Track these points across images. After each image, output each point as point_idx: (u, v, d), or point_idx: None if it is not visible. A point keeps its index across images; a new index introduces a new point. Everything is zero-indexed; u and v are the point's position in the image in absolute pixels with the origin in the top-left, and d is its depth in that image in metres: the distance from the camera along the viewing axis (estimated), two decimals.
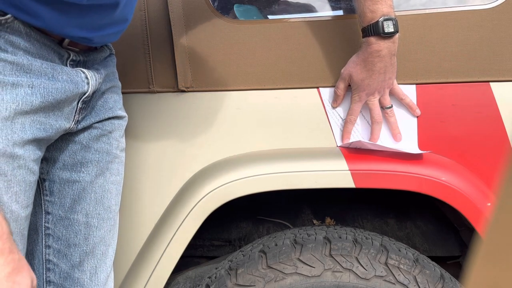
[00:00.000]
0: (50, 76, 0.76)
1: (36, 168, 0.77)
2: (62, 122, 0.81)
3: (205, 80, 1.07)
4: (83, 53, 0.84)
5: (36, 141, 0.75)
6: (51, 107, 0.77)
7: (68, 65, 0.81)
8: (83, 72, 0.82)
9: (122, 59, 1.05)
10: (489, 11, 1.00)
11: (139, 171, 1.09)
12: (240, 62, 1.06)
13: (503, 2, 1.00)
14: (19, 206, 0.73)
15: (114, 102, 0.94)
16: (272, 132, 1.07)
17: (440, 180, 0.96)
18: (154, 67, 1.07)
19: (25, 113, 0.72)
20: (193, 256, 1.31)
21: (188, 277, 1.21)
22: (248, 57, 1.06)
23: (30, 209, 0.77)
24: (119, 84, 0.98)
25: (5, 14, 0.69)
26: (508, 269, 0.26)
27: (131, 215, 1.09)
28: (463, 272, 1.18)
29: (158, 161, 1.09)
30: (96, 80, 0.85)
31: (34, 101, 0.73)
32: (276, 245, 1.01)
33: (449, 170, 0.99)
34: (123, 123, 0.97)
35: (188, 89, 1.07)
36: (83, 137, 0.89)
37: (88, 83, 0.83)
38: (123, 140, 0.97)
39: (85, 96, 0.83)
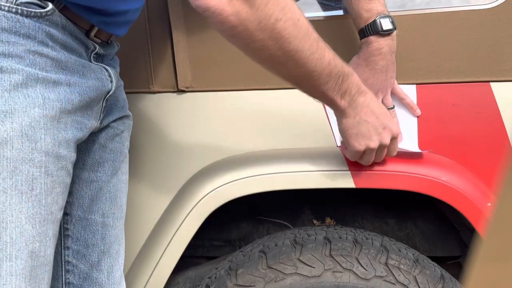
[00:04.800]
0: (81, 74, 0.74)
1: (71, 170, 0.75)
2: (92, 121, 0.79)
3: (205, 80, 1.07)
4: (102, 47, 0.83)
5: (74, 141, 0.74)
6: (86, 106, 0.75)
7: (92, 59, 0.80)
8: (106, 70, 0.82)
9: (122, 59, 1.05)
10: (489, 11, 1.00)
11: (139, 171, 1.09)
12: (240, 62, 1.06)
13: (503, 2, 0.99)
14: (58, 207, 0.72)
15: (124, 101, 0.94)
16: (272, 132, 1.06)
17: (440, 180, 0.96)
18: (154, 67, 1.07)
19: (68, 112, 0.70)
20: (193, 256, 1.31)
21: (188, 277, 1.21)
22: (248, 57, 1.05)
23: (62, 211, 0.76)
24: (123, 82, 0.98)
25: (45, 6, 0.68)
26: (508, 269, 0.26)
27: (131, 215, 1.09)
28: (463, 272, 1.18)
29: (158, 161, 1.09)
30: (116, 77, 0.85)
31: (74, 99, 0.71)
32: (276, 245, 1.01)
33: (449, 170, 0.99)
34: (131, 122, 0.97)
35: (188, 89, 1.07)
36: (101, 136, 0.88)
37: (111, 81, 0.82)
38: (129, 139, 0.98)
39: (109, 94, 0.83)
